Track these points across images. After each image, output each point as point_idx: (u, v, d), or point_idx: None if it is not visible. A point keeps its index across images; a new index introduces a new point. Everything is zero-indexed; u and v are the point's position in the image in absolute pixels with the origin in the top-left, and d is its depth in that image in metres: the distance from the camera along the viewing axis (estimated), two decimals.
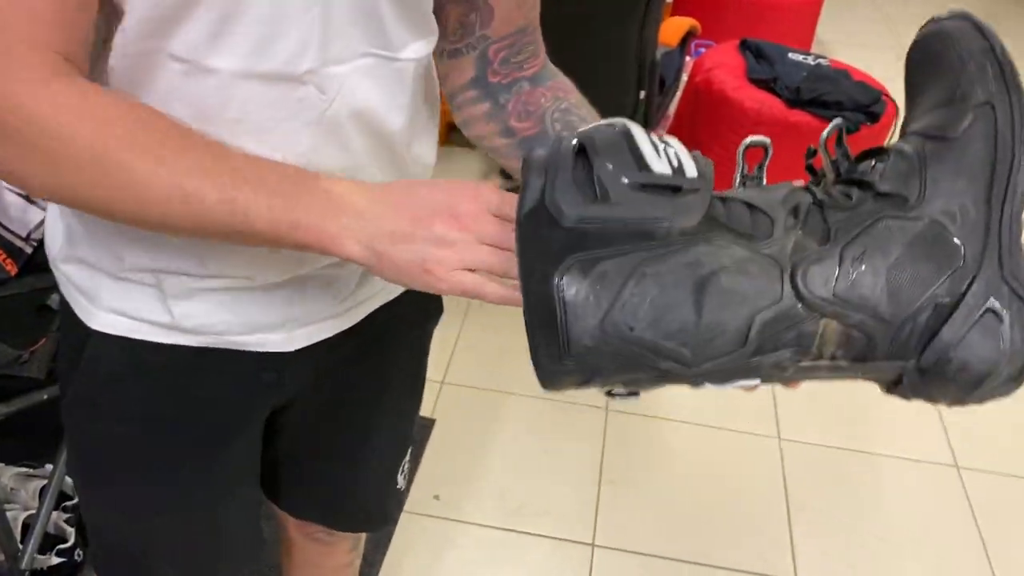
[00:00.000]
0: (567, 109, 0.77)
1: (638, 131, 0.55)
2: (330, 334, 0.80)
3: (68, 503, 1.51)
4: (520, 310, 0.54)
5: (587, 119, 0.77)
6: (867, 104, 2.53)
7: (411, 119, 0.73)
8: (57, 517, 1.49)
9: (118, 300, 0.72)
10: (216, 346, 0.75)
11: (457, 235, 0.56)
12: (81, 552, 1.49)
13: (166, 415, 0.78)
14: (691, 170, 0.54)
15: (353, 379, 0.90)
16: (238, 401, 0.81)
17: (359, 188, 0.58)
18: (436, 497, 1.80)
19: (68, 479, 1.48)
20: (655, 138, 0.55)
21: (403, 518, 1.74)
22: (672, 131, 2.83)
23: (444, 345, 2.17)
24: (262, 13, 0.59)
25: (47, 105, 0.53)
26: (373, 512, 1.08)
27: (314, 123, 0.65)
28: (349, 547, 1.18)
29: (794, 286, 0.53)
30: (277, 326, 0.76)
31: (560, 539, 1.75)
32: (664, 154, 0.54)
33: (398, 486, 1.06)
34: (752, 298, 0.53)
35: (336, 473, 0.99)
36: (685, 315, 0.52)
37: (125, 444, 0.80)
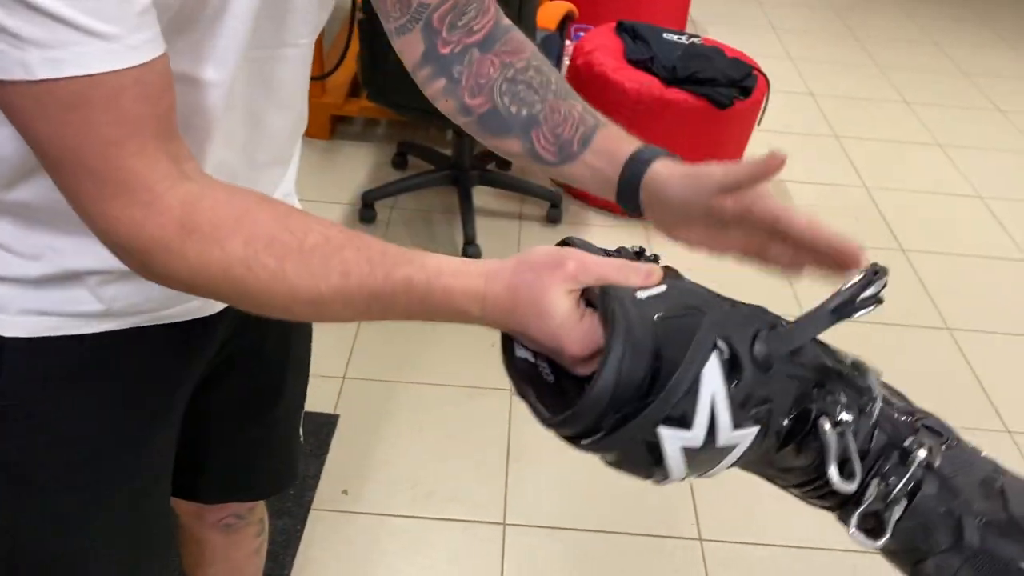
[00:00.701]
0: (513, 78, 0.77)
1: (722, 403, 0.49)
2: None
3: None
4: None
5: (532, 83, 0.77)
6: (739, 79, 2.63)
7: (307, 88, 0.76)
8: None
9: (35, 301, 0.69)
10: (145, 324, 0.74)
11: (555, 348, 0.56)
12: None
13: (100, 408, 0.76)
14: (724, 432, 0.50)
15: (266, 329, 0.91)
16: (172, 375, 0.81)
17: (475, 301, 0.56)
18: (344, 492, 1.79)
19: None
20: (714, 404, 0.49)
21: (311, 516, 1.72)
22: None
23: (344, 340, 2.15)
24: (237, 25, 0.60)
25: (183, 232, 0.54)
26: (286, 469, 1.09)
27: (244, 110, 0.67)
28: (256, 532, 1.17)
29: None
30: None
31: (471, 521, 1.77)
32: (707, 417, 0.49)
33: (300, 440, 1.09)
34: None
35: (252, 436, 1.00)
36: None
37: (56, 450, 0.76)
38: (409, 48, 0.78)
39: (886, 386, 0.59)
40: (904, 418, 0.56)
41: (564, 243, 0.59)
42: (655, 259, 0.60)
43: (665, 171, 0.70)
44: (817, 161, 3.29)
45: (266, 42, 0.66)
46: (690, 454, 0.50)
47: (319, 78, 2.82)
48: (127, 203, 0.53)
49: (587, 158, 0.75)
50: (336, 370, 2.07)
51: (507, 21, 0.79)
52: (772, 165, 0.62)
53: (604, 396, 0.48)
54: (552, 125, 0.76)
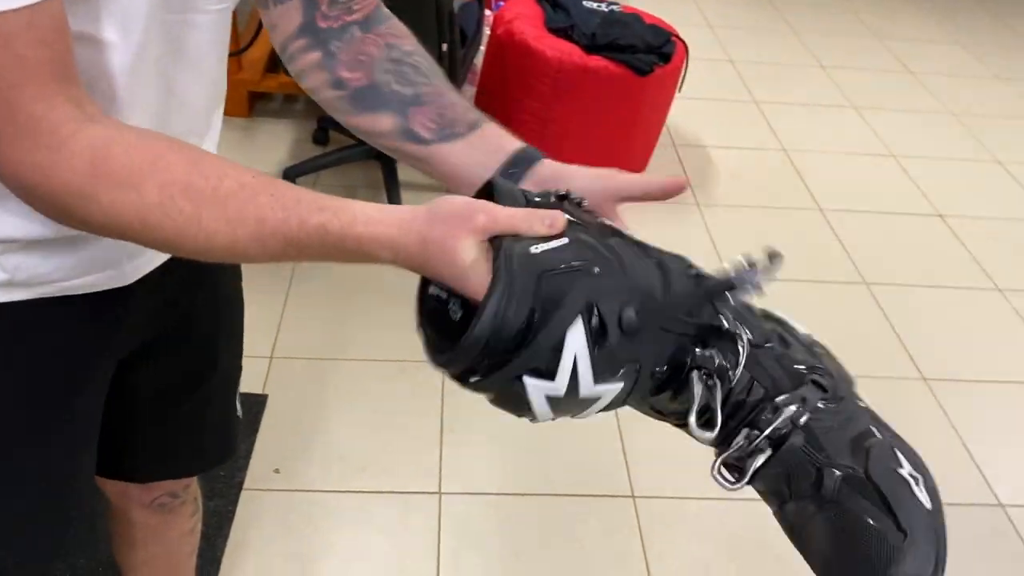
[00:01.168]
0: (399, 59, 0.77)
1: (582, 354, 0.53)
2: (161, 260, 0.80)
3: None
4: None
5: (420, 67, 0.77)
6: (659, 46, 2.65)
7: (223, 58, 0.75)
8: None
9: None
10: (52, 295, 0.72)
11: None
12: None
13: (6, 382, 0.74)
14: (586, 387, 0.54)
15: (195, 301, 0.90)
16: (86, 348, 0.79)
17: (388, 249, 0.57)
18: (276, 471, 1.77)
19: None
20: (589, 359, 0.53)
21: (243, 496, 1.70)
22: (483, 85, 2.86)
23: (270, 319, 2.12)
24: None
25: (86, 174, 0.53)
26: (223, 442, 1.08)
27: (156, 77, 0.66)
28: (191, 511, 1.16)
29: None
30: (111, 262, 0.74)
31: (407, 492, 1.77)
32: (573, 368, 0.53)
33: (238, 413, 1.08)
34: None
35: (187, 410, 0.98)
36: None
37: None
38: (284, 19, 0.77)
39: (807, 340, 0.63)
40: (797, 368, 0.60)
41: (489, 184, 0.61)
42: (579, 203, 0.62)
43: (563, 166, 0.72)
44: (737, 126, 3.35)
45: (175, 5, 0.65)
46: (553, 401, 0.55)
47: (235, 54, 2.75)
48: (32, 147, 0.53)
49: (472, 140, 0.75)
50: (263, 350, 2.04)
51: (387, 11, 0.80)
52: (675, 188, 0.69)
53: (478, 344, 0.52)
54: (438, 107, 0.76)
